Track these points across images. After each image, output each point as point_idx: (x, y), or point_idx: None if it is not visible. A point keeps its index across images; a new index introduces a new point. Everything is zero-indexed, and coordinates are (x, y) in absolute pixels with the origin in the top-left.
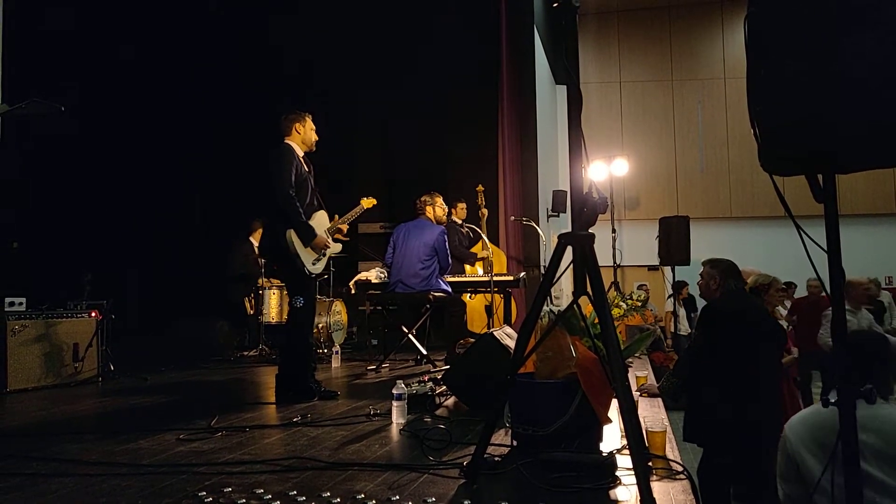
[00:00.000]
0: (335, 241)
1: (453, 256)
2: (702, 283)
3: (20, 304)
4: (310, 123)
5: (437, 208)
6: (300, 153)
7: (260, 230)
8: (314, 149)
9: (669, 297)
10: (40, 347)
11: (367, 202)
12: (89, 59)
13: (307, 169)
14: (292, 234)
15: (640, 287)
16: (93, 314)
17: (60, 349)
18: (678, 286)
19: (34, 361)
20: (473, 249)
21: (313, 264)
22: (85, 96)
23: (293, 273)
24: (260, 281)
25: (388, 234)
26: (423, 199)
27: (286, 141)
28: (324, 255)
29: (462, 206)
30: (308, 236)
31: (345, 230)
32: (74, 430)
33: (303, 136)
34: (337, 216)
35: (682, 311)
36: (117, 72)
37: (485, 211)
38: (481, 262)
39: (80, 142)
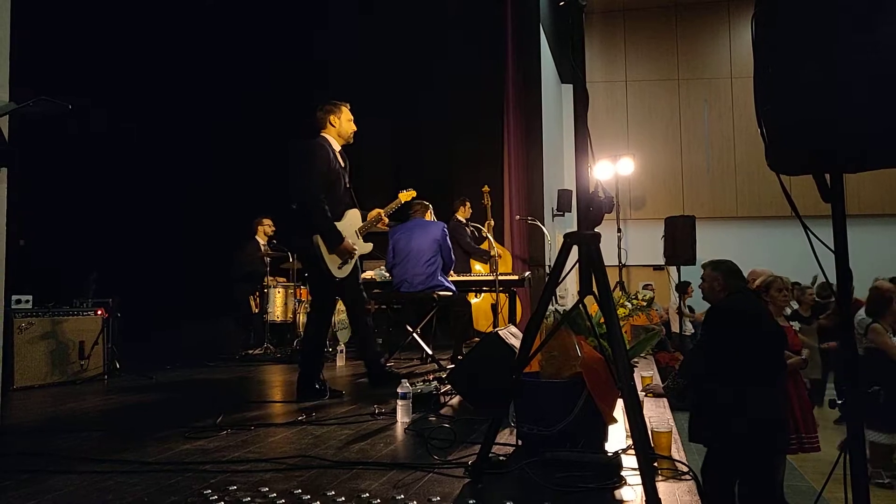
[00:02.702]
0: (366, 240)
1: (465, 252)
2: (705, 286)
3: (27, 301)
4: (346, 114)
5: (430, 213)
6: (336, 147)
7: (261, 228)
8: (352, 140)
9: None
10: (47, 345)
11: (405, 195)
12: (95, 58)
13: (342, 164)
14: (319, 239)
15: (645, 287)
16: (99, 312)
17: (67, 347)
18: (682, 286)
19: (41, 359)
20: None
21: (339, 268)
22: (92, 95)
23: (317, 275)
24: (265, 280)
25: None
26: (417, 206)
27: (322, 134)
28: (350, 259)
29: (468, 205)
30: (334, 242)
31: (386, 223)
32: (80, 427)
33: (338, 128)
34: (381, 211)
35: (686, 311)
36: (123, 71)
37: (492, 222)
38: (490, 260)
39: (86, 140)
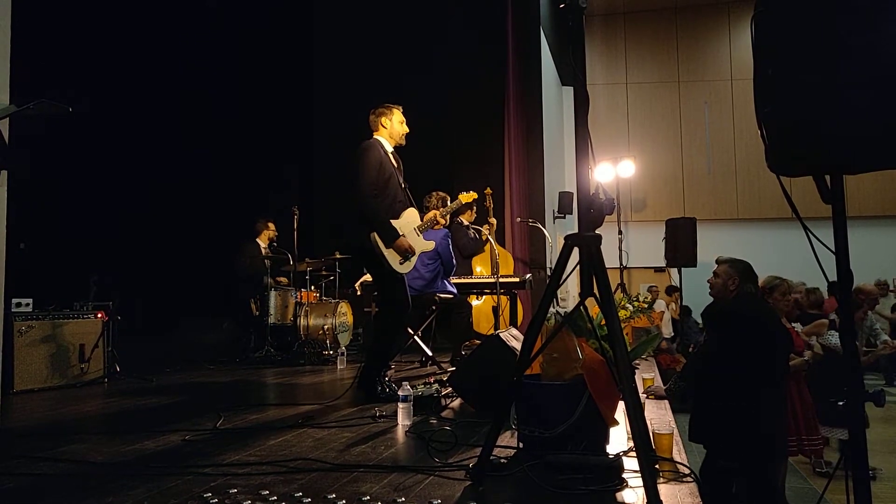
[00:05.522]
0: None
1: (463, 255)
2: (718, 282)
3: (27, 304)
4: (398, 116)
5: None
6: (389, 148)
7: (265, 232)
8: (404, 142)
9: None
10: (47, 348)
11: (466, 197)
12: (95, 58)
13: (395, 165)
14: (376, 237)
15: (650, 289)
16: (99, 315)
17: (67, 350)
18: (670, 290)
19: (41, 362)
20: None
21: (401, 264)
22: (91, 96)
23: (381, 273)
24: (266, 281)
25: None
26: (433, 199)
27: (374, 136)
28: (412, 254)
29: (474, 208)
30: (389, 238)
31: (444, 223)
32: (80, 430)
33: (390, 130)
34: (437, 212)
35: (666, 316)
36: (123, 71)
37: (493, 221)
38: (488, 265)
39: (86, 142)
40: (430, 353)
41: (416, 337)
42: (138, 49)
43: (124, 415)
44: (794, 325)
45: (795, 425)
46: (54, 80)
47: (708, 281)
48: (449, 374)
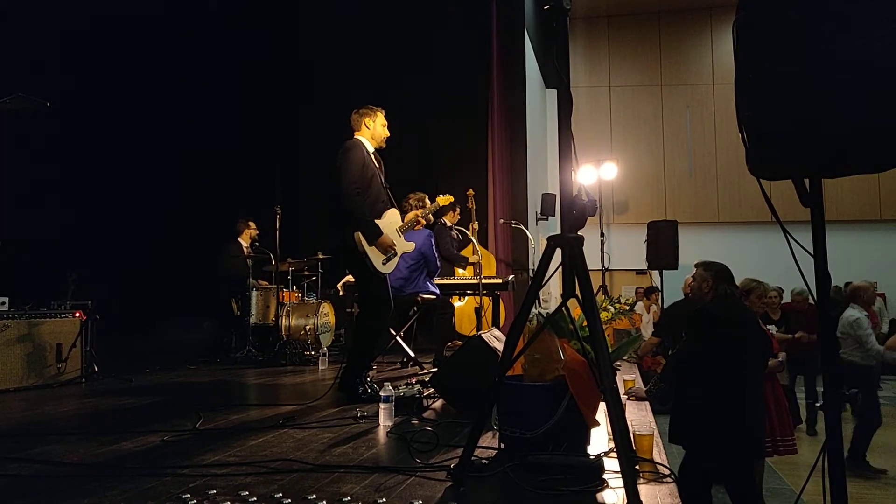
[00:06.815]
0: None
1: (443, 257)
2: (693, 285)
3: (3, 303)
4: (381, 119)
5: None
6: (370, 149)
7: (247, 231)
8: (384, 145)
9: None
10: (23, 347)
11: (443, 199)
12: (79, 55)
13: (377, 165)
14: (360, 236)
15: (637, 290)
16: (77, 314)
17: (44, 349)
18: (649, 292)
19: (17, 361)
20: (463, 253)
21: (383, 264)
22: (72, 93)
23: (363, 273)
24: (248, 282)
25: None
26: (412, 199)
27: (356, 136)
28: (394, 254)
29: (457, 210)
30: (372, 235)
31: (423, 223)
32: (57, 431)
33: (372, 131)
34: (418, 213)
35: (645, 318)
36: (106, 69)
37: (475, 225)
38: (471, 266)
39: (66, 140)
40: (412, 354)
41: (398, 338)
42: (128, 44)
43: (102, 415)
44: (769, 327)
45: (770, 426)
46: (40, 75)
47: (689, 285)
48: (431, 374)
